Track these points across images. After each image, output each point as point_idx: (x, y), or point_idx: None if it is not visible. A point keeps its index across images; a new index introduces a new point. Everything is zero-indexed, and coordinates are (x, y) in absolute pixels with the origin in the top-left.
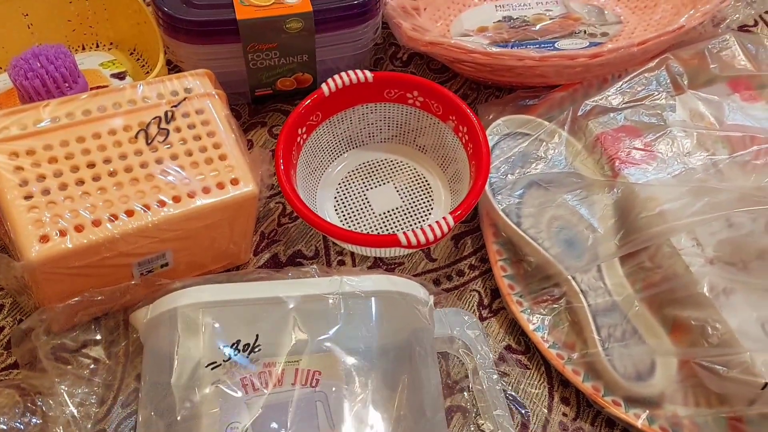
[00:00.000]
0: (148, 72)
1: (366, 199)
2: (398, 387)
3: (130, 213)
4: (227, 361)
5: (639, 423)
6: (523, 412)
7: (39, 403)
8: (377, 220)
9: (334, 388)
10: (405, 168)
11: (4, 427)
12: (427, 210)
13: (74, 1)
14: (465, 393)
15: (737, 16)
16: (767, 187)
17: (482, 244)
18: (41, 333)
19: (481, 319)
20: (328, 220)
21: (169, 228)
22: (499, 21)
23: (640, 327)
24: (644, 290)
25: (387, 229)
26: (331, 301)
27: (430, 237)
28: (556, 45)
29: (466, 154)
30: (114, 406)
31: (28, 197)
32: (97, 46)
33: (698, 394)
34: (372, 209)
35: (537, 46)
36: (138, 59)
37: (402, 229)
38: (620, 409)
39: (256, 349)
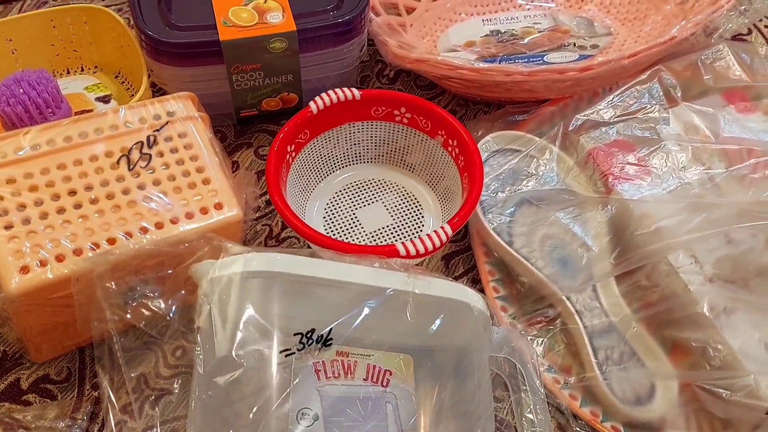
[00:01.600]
0: (132, 95)
1: (356, 217)
2: (456, 399)
3: (111, 241)
4: (301, 350)
5: None
6: None
7: None
8: (368, 238)
9: (403, 392)
10: (394, 186)
11: None
12: (419, 226)
13: (58, 25)
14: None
15: (730, 25)
16: (767, 201)
17: (473, 264)
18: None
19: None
20: None
21: (153, 255)
22: (486, 35)
23: (639, 349)
24: (642, 310)
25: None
26: (404, 301)
27: (429, 246)
28: (545, 58)
29: (457, 169)
30: None
31: (8, 227)
32: (82, 70)
33: (701, 419)
34: (362, 227)
35: (526, 60)
36: (123, 82)
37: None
38: None
39: (329, 343)
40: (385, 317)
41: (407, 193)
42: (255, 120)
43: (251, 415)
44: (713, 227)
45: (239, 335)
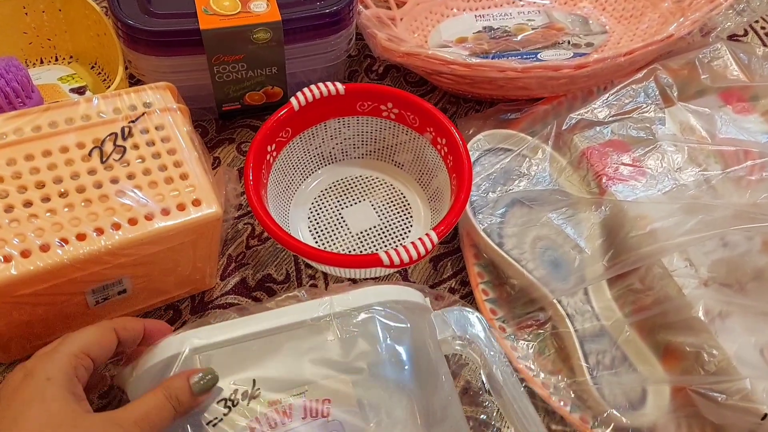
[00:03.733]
0: (109, 86)
1: (341, 217)
2: (411, 399)
3: (81, 237)
4: (227, 415)
5: None
6: None
7: None
8: (354, 240)
9: (347, 415)
10: (382, 185)
11: None
12: (406, 228)
13: (30, 12)
14: (482, 395)
15: (728, 24)
16: (763, 203)
17: (463, 266)
18: None
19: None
20: (302, 240)
21: (125, 253)
22: (479, 31)
23: (630, 353)
24: (634, 314)
25: (364, 249)
26: (326, 325)
27: (414, 255)
28: (539, 56)
29: (446, 168)
30: None
31: None
32: (56, 60)
33: (692, 425)
34: (348, 228)
35: (519, 57)
36: (99, 73)
37: (380, 248)
38: None
39: (256, 394)
40: (315, 349)
41: (395, 191)
42: (238, 114)
43: None
44: (709, 229)
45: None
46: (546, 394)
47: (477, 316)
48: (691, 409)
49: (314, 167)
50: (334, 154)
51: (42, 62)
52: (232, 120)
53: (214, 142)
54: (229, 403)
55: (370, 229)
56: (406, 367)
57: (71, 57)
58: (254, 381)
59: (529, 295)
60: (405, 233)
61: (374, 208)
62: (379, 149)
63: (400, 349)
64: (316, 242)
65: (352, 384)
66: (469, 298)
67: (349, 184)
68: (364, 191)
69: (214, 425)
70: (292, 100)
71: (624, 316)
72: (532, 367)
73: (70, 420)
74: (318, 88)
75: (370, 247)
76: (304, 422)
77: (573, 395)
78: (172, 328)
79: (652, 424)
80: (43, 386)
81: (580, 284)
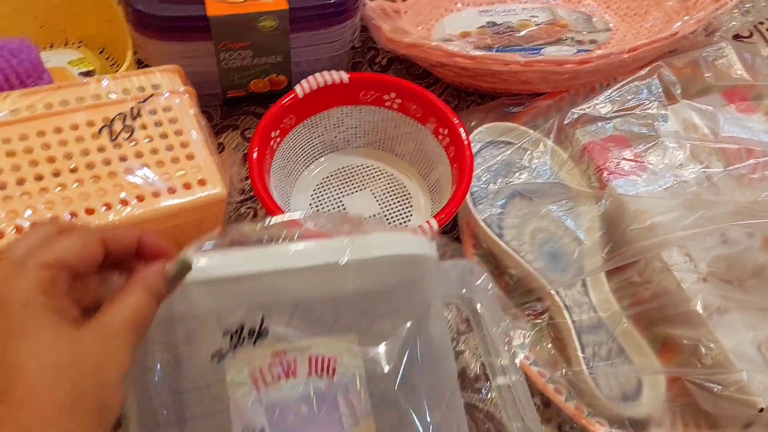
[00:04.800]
0: (117, 71)
1: (342, 205)
2: (415, 362)
3: (90, 211)
4: (233, 350)
5: None
6: None
7: None
8: None
9: (352, 377)
10: (383, 174)
11: None
12: (406, 218)
13: None
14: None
15: (733, 23)
16: (765, 201)
17: (461, 256)
18: None
19: (459, 333)
20: None
21: None
22: (482, 26)
23: (627, 346)
24: (632, 307)
25: None
26: (342, 270)
27: None
28: (541, 52)
29: (447, 158)
30: None
31: None
32: (66, 44)
33: (687, 416)
34: None
35: (522, 52)
36: (108, 58)
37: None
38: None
39: (264, 334)
40: (326, 295)
41: (396, 181)
42: (242, 102)
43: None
44: (709, 225)
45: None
46: (542, 382)
47: (484, 274)
48: (687, 400)
49: (317, 155)
50: (337, 143)
51: (52, 46)
52: (237, 107)
53: (218, 128)
54: (235, 338)
55: (371, 217)
56: (412, 326)
57: (80, 42)
58: (263, 319)
59: (527, 286)
60: (405, 222)
61: (375, 197)
62: (380, 139)
63: (408, 306)
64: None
65: (360, 344)
66: None
67: (351, 173)
68: (366, 180)
69: (218, 361)
70: (297, 87)
71: (621, 309)
72: (529, 355)
73: (67, 347)
74: (323, 76)
75: None
76: (308, 379)
77: (568, 385)
78: (172, 249)
79: (647, 415)
80: (21, 316)
81: (579, 276)
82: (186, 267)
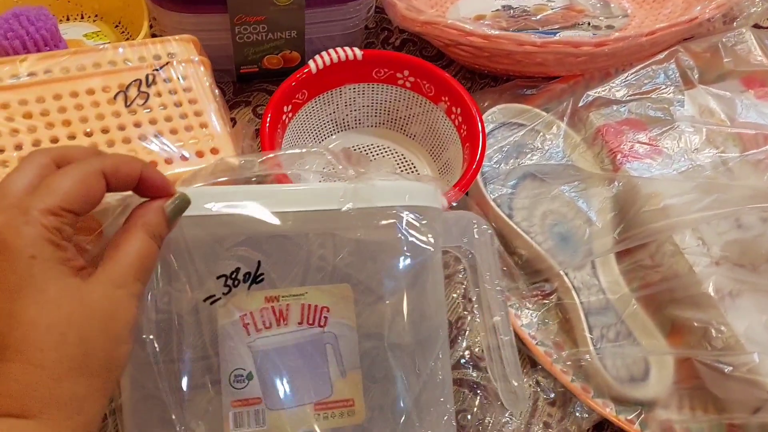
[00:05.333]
0: None
1: None
2: (406, 317)
3: None
4: (226, 294)
5: (633, 429)
6: None
7: None
8: None
9: (343, 328)
10: (394, 154)
11: None
12: None
13: None
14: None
15: (754, 9)
16: None
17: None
18: None
19: (465, 311)
20: None
21: None
22: (497, 10)
23: (636, 329)
24: (641, 289)
25: None
26: (342, 217)
27: None
28: (557, 36)
29: (459, 138)
30: None
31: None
32: (82, 18)
33: (694, 399)
34: None
35: (538, 34)
36: (123, 32)
37: None
38: (611, 412)
39: (259, 279)
40: (324, 241)
41: (406, 162)
42: (255, 78)
43: (182, 382)
44: (723, 208)
45: (154, 293)
46: (548, 361)
47: (485, 226)
48: (695, 382)
49: (328, 133)
50: (348, 122)
51: (68, 19)
52: (249, 83)
53: (230, 104)
54: (230, 282)
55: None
56: (407, 281)
57: (96, 15)
58: (259, 263)
59: (536, 266)
60: None
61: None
62: (392, 119)
63: (407, 260)
64: None
65: (353, 294)
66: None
67: (362, 152)
68: (376, 160)
69: (212, 303)
70: (310, 62)
71: (631, 291)
72: (535, 335)
73: (76, 302)
74: (336, 52)
75: None
76: (299, 328)
77: (575, 365)
78: (172, 186)
79: (654, 397)
80: (29, 267)
81: (589, 257)
82: (185, 203)
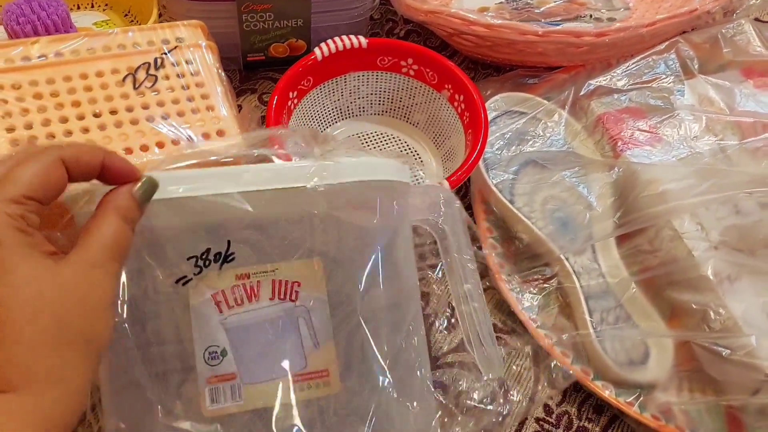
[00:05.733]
0: None
1: None
2: (376, 290)
3: None
4: (198, 275)
5: (632, 410)
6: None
7: None
8: None
9: (314, 302)
10: (397, 142)
11: None
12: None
13: None
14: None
15: (753, 2)
16: None
17: (473, 222)
18: None
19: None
20: None
21: None
22: (500, 2)
23: (635, 313)
24: (640, 273)
25: None
26: (310, 194)
27: None
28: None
29: (462, 125)
30: None
31: (10, 130)
32: (92, 6)
33: (693, 382)
34: None
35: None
36: (132, 21)
37: None
38: (610, 395)
39: (230, 259)
40: (293, 218)
41: (410, 149)
42: (261, 66)
43: (156, 357)
44: (722, 192)
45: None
46: (548, 344)
47: (452, 197)
48: (693, 365)
49: (332, 120)
50: (352, 110)
51: (79, 8)
52: (255, 72)
53: (236, 91)
54: (200, 263)
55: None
56: (380, 266)
57: (106, 5)
58: (229, 243)
59: (537, 251)
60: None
61: None
62: (395, 108)
63: (377, 233)
64: None
65: (324, 268)
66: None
67: (365, 140)
68: (380, 148)
69: (183, 284)
70: (316, 50)
71: (630, 275)
72: (536, 318)
73: (48, 279)
74: (341, 40)
75: None
76: (271, 303)
77: (575, 348)
78: (137, 171)
79: (653, 380)
80: None
81: (588, 241)
82: (153, 187)
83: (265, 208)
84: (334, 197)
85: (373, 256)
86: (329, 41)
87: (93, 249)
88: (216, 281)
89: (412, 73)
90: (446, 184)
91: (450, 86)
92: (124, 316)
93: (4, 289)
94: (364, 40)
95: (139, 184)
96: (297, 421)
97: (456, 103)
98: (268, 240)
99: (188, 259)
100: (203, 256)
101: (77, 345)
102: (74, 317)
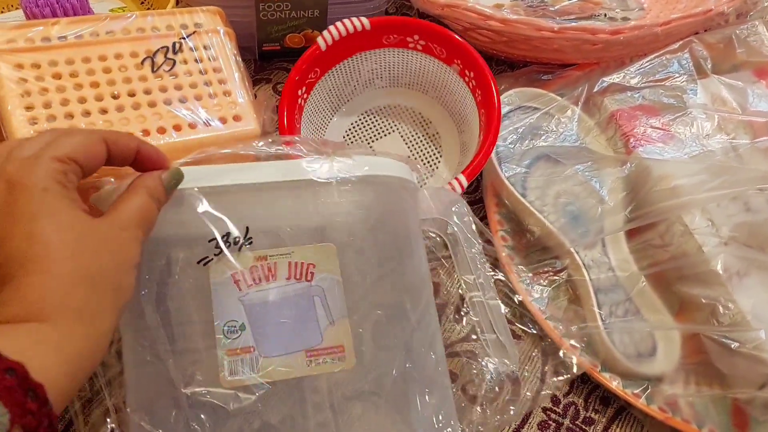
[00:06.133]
0: None
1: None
2: (389, 275)
3: None
4: (218, 255)
5: (639, 402)
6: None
7: None
8: None
9: (329, 282)
10: (410, 114)
11: None
12: (437, 158)
13: None
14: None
15: (767, 4)
16: None
17: (483, 215)
18: None
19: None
20: None
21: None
22: (516, 0)
23: (643, 306)
24: (650, 268)
25: None
26: (323, 187)
27: None
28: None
29: (474, 101)
30: None
31: (28, 108)
32: None
33: (700, 375)
34: None
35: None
36: (149, 8)
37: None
38: (618, 386)
39: (248, 242)
40: (307, 209)
41: (423, 119)
42: (276, 57)
43: (178, 335)
44: (732, 188)
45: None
46: (557, 335)
47: (459, 198)
48: (700, 358)
49: (345, 99)
50: (361, 85)
51: None
52: (270, 61)
53: (252, 81)
54: (220, 245)
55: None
56: (389, 244)
57: None
58: (247, 228)
59: (548, 243)
60: (435, 162)
61: (404, 139)
62: (405, 79)
63: (387, 224)
64: None
65: (338, 252)
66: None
67: (378, 115)
68: (393, 121)
69: (204, 264)
70: (319, 39)
71: (640, 270)
72: (545, 310)
73: (86, 229)
74: (344, 24)
75: None
76: (287, 282)
77: (583, 340)
78: (168, 160)
79: (661, 373)
80: (42, 198)
81: (600, 234)
82: (179, 176)
83: (280, 198)
84: (346, 189)
85: (383, 246)
86: (331, 28)
87: (123, 215)
88: (235, 262)
89: (419, 47)
90: (463, 179)
91: (459, 62)
92: (149, 295)
93: (49, 228)
94: (366, 22)
95: (168, 172)
96: (311, 394)
97: (467, 79)
98: (283, 226)
99: (209, 241)
100: (224, 239)
101: (108, 292)
102: (107, 267)
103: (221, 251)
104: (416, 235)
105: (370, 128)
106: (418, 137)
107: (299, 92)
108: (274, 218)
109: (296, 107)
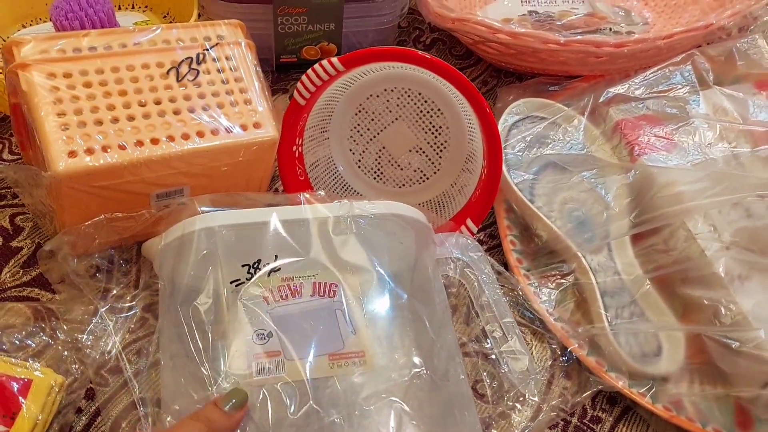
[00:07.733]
0: None
1: (383, 147)
2: (406, 302)
3: (155, 141)
4: (249, 279)
5: (644, 401)
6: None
7: (53, 324)
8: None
9: (351, 299)
10: (413, 95)
11: (17, 343)
12: (444, 139)
13: None
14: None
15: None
16: None
17: (492, 221)
18: (67, 255)
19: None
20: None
21: (191, 161)
22: (523, 15)
23: (648, 309)
24: (654, 271)
25: (413, 182)
26: (344, 222)
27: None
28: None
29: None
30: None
31: (60, 114)
32: (133, 7)
33: (703, 375)
34: (390, 156)
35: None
36: (171, 23)
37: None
38: (624, 385)
39: (277, 269)
40: (334, 241)
41: (428, 100)
42: (293, 68)
43: (211, 341)
44: (734, 194)
45: (192, 274)
46: (564, 335)
47: (475, 244)
48: (704, 358)
49: (339, 99)
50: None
51: (120, 8)
52: (287, 73)
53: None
54: (252, 270)
55: (411, 150)
56: (406, 273)
57: (146, 6)
58: (276, 257)
59: (555, 247)
60: (443, 144)
61: (409, 127)
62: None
63: (403, 257)
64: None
65: (359, 276)
66: (496, 250)
67: (379, 100)
68: (396, 107)
69: (237, 285)
70: (295, 95)
71: (645, 273)
72: (553, 312)
73: None
74: (315, 72)
75: (418, 177)
76: (311, 299)
77: (590, 341)
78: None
79: (666, 374)
80: None
81: (605, 239)
82: (243, 396)
83: (305, 234)
84: (363, 226)
85: (401, 270)
86: (303, 78)
87: None
88: (264, 283)
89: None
90: (472, 225)
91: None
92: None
93: None
94: (338, 63)
95: (227, 398)
96: (332, 392)
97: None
98: (306, 255)
99: (242, 266)
100: (255, 265)
101: None
102: None
103: (252, 276)
104: (435, 270)
105: (376, 118)
106: (424, 121)
107: (293, 148)
108: (299, 247)
109: (296, 159)
